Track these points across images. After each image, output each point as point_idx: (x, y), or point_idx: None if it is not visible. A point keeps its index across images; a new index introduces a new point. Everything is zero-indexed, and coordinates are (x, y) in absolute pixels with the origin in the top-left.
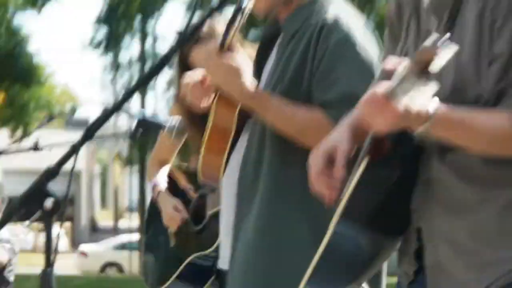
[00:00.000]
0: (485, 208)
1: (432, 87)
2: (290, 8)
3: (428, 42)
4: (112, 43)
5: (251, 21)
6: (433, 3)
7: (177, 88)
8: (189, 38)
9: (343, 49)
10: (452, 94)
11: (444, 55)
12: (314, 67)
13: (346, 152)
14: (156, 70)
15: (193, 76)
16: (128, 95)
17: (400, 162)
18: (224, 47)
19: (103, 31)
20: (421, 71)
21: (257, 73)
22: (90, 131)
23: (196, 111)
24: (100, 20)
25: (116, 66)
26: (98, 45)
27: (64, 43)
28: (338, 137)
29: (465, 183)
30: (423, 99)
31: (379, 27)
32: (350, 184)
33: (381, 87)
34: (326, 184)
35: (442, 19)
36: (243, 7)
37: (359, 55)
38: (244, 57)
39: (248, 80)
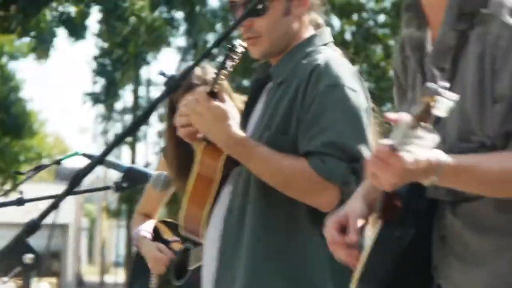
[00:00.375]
0: (501, 257)
1: (434, 138)
2: (282, 54)
3: (425, 94)
4: (110, 94)
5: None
6: (434, 56)
7: (166, 139)
8: (178, 84)
9: (332, 95)
10: (458, 142)
11: (443, 104)
12: (302, 114)
13: (358, 218)
14: (144, 117)
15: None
16: (113, 145)
17: (413, 220)
18: (213, 94)
19: (100, 83)
20: (421, 123)
21: (245, 120)
22: (73, 184)
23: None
24: (97, 72)
25: (108, 115)
26: (96, 99)
27: (58, 91)
28: (350, 206)
29: (479, 234)
30: (427, 151)
31: (372, 75)
32: (366, 249)
33: (384, 144)
34: (344, 253)
35: (443, 70)
36: (232, 53)
37: (348, 102)
38: (231, 105)
39: (234, 127)
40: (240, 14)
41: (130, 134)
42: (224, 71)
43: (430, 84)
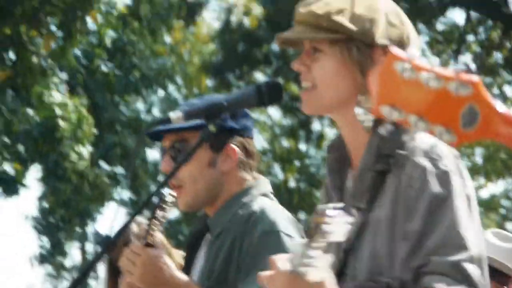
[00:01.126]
0: None
1: (327, 258)
2: (217, 204)
3: (315, 215)
4: (56, 253)
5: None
6: (352, 195)
7: None
8: (114, 243)
9: (268, 241)
10: (366, 281)
11: (337, 227)
12: (240, 262)
13: None
14: (80, 279)
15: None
16: None
17: None
18: (149, 245)
19: (45, 242)
20: (313, 244)
21: (187, 272)
22: None
23: None
24: (40, 231)
25: (57, 274)
26: (43, 259)
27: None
28: None
29: None
30: (319, 272)
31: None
32: None
33: (281, 262)
34: None
35: (360, 210)
36: (162, 203)
37: (283, 247)
38: (165, 253)
39: (172, 272)
40: (165, 160)
41: None
42: (155, 221)
43: (320, 206)
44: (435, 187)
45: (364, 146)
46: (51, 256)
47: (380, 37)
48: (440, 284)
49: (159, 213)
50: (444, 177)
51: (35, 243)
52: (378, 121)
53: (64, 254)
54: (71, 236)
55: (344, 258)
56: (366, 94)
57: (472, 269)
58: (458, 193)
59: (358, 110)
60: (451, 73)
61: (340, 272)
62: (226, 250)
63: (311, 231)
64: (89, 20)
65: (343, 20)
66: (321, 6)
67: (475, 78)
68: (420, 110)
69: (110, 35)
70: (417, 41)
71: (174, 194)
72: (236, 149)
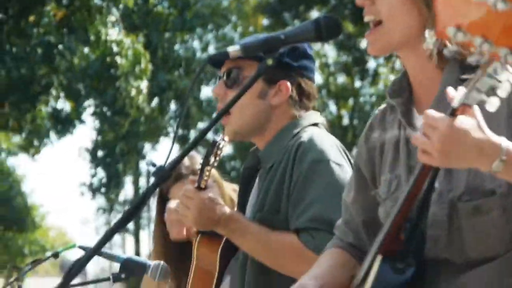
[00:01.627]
0: None
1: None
2: (267, 136)
3: None
4: (110, 186)
5: None
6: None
7: (156, 228)
8: (168, 174)
9: (317, 170)
10: (467, 193)
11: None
12: (290, 192)
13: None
14: (134, 209)
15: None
16: (106, 238)
17: (413, 260)
18: (200, 186)
19: (100, 175)
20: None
21: (241, 206)
22: (69, 277)
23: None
24: (97, 163)
25: (109, 208)
26: (96, 189)
27: (60, 185)
28: (302, 285)
29: None
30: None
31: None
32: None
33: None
34: None
35: None
36: (217, 145)
37: (333, 175)
38: (216, 194)
39: (225, 207)
40: (219, 85)
41: (122, 226)
42: (208, 167)
43: None
44: None
45: (435, 81)
46: (107, 188)
47: None
48: None
49: (212, 158)
50: None
51: (92, 176)
52: (443, 54)
53: (121, 186)
54: (127, 169)
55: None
56: (433, 28)
57: None
58: None
59: (428, 45)
60: None
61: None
62: (277, 181)
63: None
64: None
65: None
66: None
67: None
68: (486, 32)
69: None
70: None
71: (226, 138)
72: (289, 85)
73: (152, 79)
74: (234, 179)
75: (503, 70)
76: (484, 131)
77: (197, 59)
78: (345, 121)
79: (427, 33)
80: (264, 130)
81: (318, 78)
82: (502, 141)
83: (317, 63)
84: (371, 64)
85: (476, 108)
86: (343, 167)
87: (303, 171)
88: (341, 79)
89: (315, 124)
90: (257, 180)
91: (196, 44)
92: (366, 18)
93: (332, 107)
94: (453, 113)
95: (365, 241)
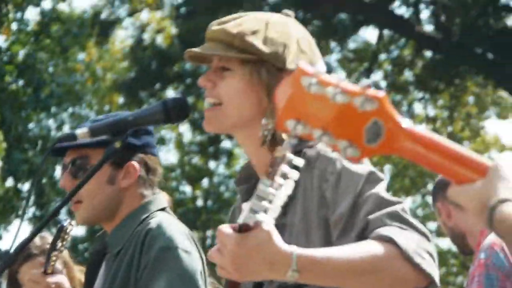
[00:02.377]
0: None
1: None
2: (116, 220)
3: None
4: None
5: None
6: None
7: None
8: (13, 259)
9: (165, 257)
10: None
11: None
12: (138, 279)
13: None
14: None
15: None
16: None
17: None
18: (47, 272)
19: None
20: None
21: None
22: None
23: None
24: None
25: None
26: None
27: None
28: None
29: None
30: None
31: None
32: None
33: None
34: None
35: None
36: (64, 230)
37: (181, 262)
38: (65, 278)
39: None
40: (65, 176)
41: None
42: (55, 252)
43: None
44: (353, 169)
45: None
46: None
47: (291, 62)
48: (388, 229)
49: (59, 243)
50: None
51: None
52: (276, 139)
53: None
54: None
55: None
56: (271, 117)
57: (409, 216)
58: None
59: (263, 133)
60: (357, 88)
61: None
62: (124, 268)
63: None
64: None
65: (257, 41)
66: (235, 25)
67: (381, 93)
68: (325, 124)
69: (20, 52)
70: (323, 68)
71: (73, 223)
72: (137, 165)
73: (6, 158)
74: (87, 260)
75: (269, 188)
76: (275, 243)
77: (51, 137)
78: (199, 202)
79: (264, 121)
80: (114, 215)
81: (173, 158)
82: (294, 250)
83: (172, 142)
84: (226, 144)
85: (267, 221)
86: (191, 254)
87: (151, 259)
88: (196, 159)
89: (163, 209)
90: (103, 265)
91: (51, 122)
92: (207, 100)
93: (186, 188)
94: (241, 229)
95: None
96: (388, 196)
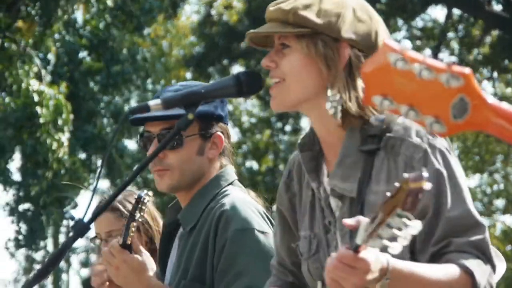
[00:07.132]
0: None
1: (417, 225)
2: (193, 191)
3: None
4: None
5: None
6: (336, 183)
7: None
8: (87, 227)
9: (242, 239)
10: None
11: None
12: (215, 261)
13: None
14: (53, 262)
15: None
16: None
17: None
18: (126, 246)
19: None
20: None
21: (161, 265)
22: None
23: None
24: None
25: (29, 267)
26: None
27: None
28: None
29: None
30: (375, 252)
31: None
32: None
33: (345, 248)
34: None
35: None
36: (141, 201)
37: (258, 243)
38: (147, 255)
39: (153, 278)
40: (154, 146)
41: (40, 278)
42: (134, 223)
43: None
44: (438, 166)
45: (338, 140)
46: (29, 243)
47: (346, 32)
48: (472, 262)
49: (137, 213)
50: (441, 156)
51: (12, 231)
52: (348, 114)
53: (44, 239)
54: (48, 223)
55: None
56: (334, 87)
57: (488, 247)
58: (457, 170)
59: (328, 105)
60: (443, 65)
61: None
62: (200, 249)
63: (395, 197)
64: (79, 13)
65: (309, 14)
66: (289, 2)
67: (467, 70)
68: (411, 100)
69: (95, 27)
70: (387, 36)
71: (151, 194)
72: (222, 136)
73: (75, 131)
74: None
75: (401, 221)
76: (380, 259)
77: (121, 112)
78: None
79: (329, 92)
80: (195, 184)
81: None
82: (389, 261)
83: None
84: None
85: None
86: (267, 234)
87: (227, 241)
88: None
89: (232, 183)
90: (177, 240)
91: (119, 97)
92: (272, 80)
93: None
94: (357, 249)
95: (303, 279)
96: (473, 210)
